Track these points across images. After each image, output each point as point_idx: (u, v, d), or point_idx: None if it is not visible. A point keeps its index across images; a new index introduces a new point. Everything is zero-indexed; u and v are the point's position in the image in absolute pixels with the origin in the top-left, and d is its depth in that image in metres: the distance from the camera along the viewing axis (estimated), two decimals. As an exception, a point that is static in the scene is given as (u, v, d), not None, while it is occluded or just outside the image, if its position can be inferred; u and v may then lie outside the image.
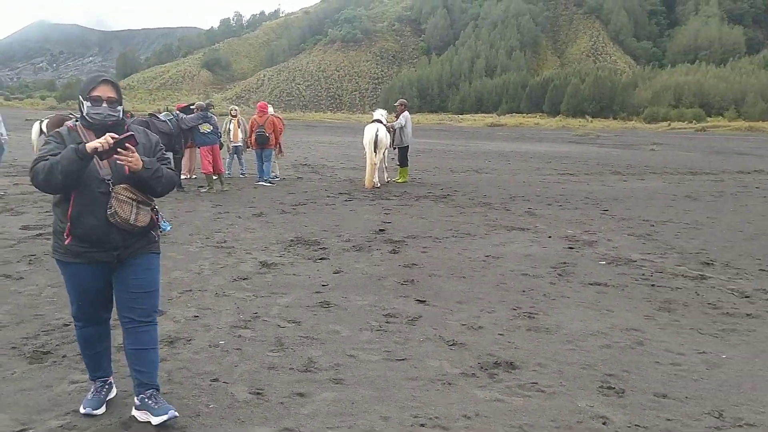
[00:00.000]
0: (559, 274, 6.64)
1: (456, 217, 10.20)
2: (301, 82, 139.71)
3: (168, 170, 3.23)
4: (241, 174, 15.49)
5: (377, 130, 13.63)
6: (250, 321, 4.91)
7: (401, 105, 15.33)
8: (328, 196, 12.40)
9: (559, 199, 12.66)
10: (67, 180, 2.91)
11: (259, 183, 14.08)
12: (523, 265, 7.00)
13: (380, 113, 14.53)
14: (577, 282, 6.36)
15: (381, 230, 8.90)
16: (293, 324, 4.88)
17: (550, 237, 8.71)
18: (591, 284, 6.27)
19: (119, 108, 3.15)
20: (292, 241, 8.05)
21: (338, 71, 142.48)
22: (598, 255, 7.62)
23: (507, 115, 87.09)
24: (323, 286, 5.99)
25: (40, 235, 7.93)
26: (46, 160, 2.91)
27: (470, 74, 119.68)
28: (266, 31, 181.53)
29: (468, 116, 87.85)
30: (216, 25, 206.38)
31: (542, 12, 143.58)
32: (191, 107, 13.65)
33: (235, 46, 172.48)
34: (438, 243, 8.15)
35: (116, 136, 2.94)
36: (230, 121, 15.05)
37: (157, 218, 3.26)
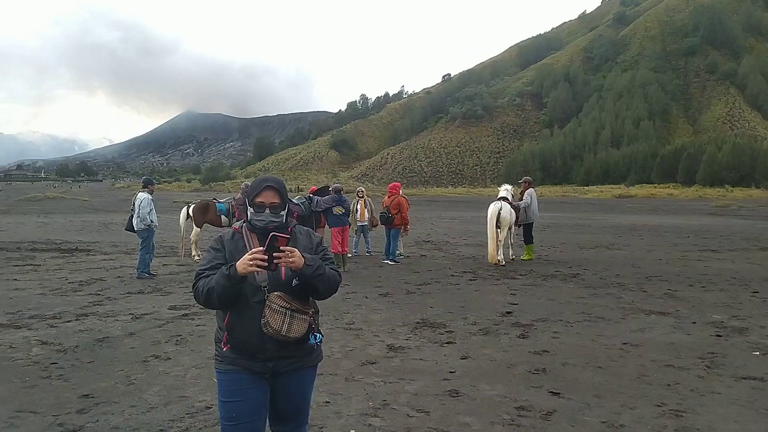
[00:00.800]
0: (708, 366, 6.10)
1: (588, 299, 9.76)
2: (423, 159, 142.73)
3: (331, 270, 3.06)
4: (368, 252, 15.85)
5: (500, 208, 13.70)
6: (379, 409, 4.88)
7: (526, 182, 15.33)
8: (453, 275, 12.32)
9: (702, 280, 11.79)
10: (225, 302, 2.89)
11: (385, 261, 14.30)
12: (666, 355, 6.51)
13: (506, 189, 14.56)
14: (728, 375, 5.80)
15: (508, 312, 8.67)
16: (422, 414, 4.79)
17: (694, 323, 8.08)
18: (745, 378, 5.70)
19: (282, 213, 3.10)
20: (418, 323, 8.02)
21: (459, 147, 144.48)
22: (751, 344, 6.95)
23: (636, 185, 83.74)
24: (451, 372, 5.87)
25: (186, 315, 8.44)
26: (206, 276, 2.91)
27: (595, 145, 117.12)
28: (390, 111, 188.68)
29: (594, 188, 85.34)
30: (344, 108, 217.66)
31: (671, 80, 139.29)
32: (328, 189, 14.31)
33: (361, 126, 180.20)
34: (569, 327, 7.80)
35: (281, 235, 2.82)
36: (357, 201, 15.58)
37: (315, 326, 3.05)
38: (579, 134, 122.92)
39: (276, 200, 3.05)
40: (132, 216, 12.62)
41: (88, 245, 17.55)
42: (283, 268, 2.89)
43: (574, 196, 71.35)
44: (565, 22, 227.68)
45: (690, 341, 7.10)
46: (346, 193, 20.92)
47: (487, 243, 14.16)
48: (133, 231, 12.61)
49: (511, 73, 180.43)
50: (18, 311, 8.59)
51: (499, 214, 13.59)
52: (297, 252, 2.85)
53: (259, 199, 3.04)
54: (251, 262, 2.76)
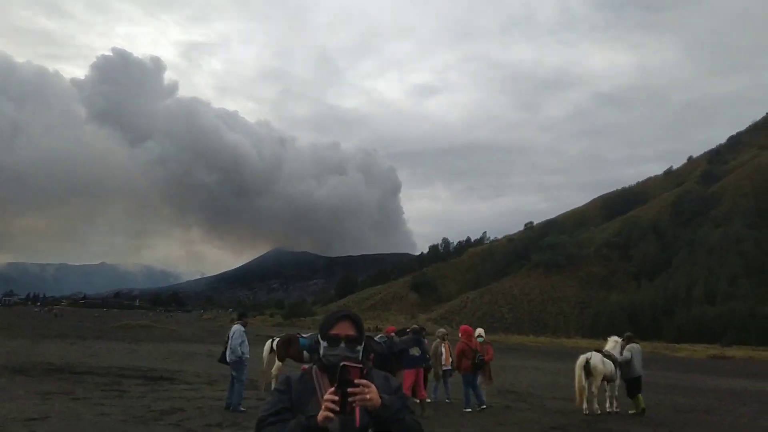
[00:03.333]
0: None
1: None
2: (504, 305, 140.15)
3: (412, 419, 2.66)
4: (447, 400, 15.34)
5: (588, 357, 13.93)
6: None
7: (627, 338, 15.61)
8: (540, 430, 11.68)
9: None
10: None
11: (467, 410, 13.79)
12: None
13: (614, 341, 15.16)
14: None
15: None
16: None
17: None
18: None
19: (359, 349, 2.79)
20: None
21: (542, 295, 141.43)
22: None
23: (733, 346, 78.25)
24: None
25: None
26: (271, 424, 2.59)
27: (687, 301, 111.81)
28: (471, 255, 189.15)
29: (686, 346, 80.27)
30: (425, 250, 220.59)
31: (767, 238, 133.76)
32: (406, 331, 14.26)
33: (442, 269, 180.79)
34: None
35: (353, 365, 2.53)
36: (441, 344, 15.29)
37: None
38: (670, 288, 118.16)
39: (352, 332, 2.77)
40: (226, 348, 12.92)
41: (172, 374, 17.93)
42: (357, 411, 2.51)
43: (664, 353, 67.28)
44: (650, 177, 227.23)
45: None
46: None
47: (575, 397, 14.24)
48: (226, 363, 12.87)
49: (596, 223, 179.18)
50: (104, 435, 8.75)
51: (587, 362, 13.77)
52: (373, 387, 2.51)
53: (333, 332, 2.77)
54: (331, 406, 2.40)
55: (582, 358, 13.85)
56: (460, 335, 14.77)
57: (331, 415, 2.38)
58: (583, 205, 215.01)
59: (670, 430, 12.62)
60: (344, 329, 2.78)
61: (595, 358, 13.90)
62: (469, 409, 13.78)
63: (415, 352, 13.24)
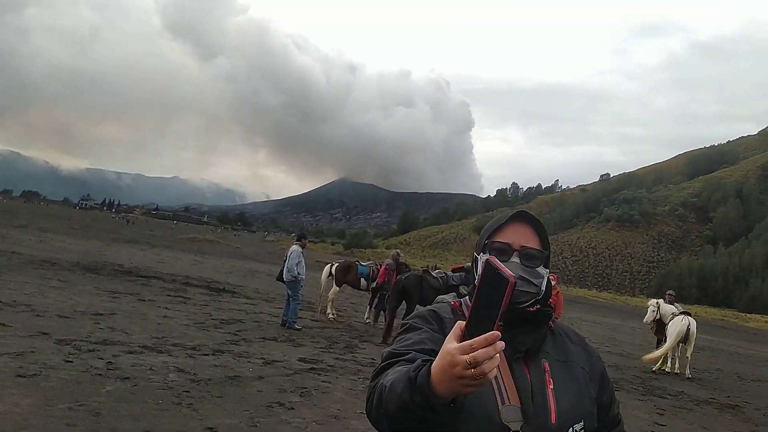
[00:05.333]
0: None
1: (748, 436, 8.57)
2: (569, 257, 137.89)
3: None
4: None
5: (691, 325, 13.45)
6: None
7: (670, 296, 15.14)
8: (592, 381, 11.41)
9: None
10: (396, 425, 1.38)
11: None
12: None
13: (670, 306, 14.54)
14: None
15: (653, 433, 7.80)
16: None
17: None
18: None
19: (542, 272, 1.70)
20: None
21: (609, 250, 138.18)
22: None
23: (810, 322, 74.79)
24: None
25: (314, 369, 8.45)
26: (399, 364, 1.45)
27: (764, 270, 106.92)
28: (540, 203, 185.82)
29: (758, 316, 77.33)
30: (493, 194, 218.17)
31: None
32: (463, 268, 14.05)
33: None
34: (726, 464, 6.82)
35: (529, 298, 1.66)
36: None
37: None
38: (747, 256, 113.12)
39: (532, 244, 1.69)
40: (284, 267, 13.12)
41: (234, 288, 18.45)
42: (552, 401, 1.56)
43: (734, 321, 65.02)
44: (743, 137, 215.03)
45: None
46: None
47: (631, 353, 13.73)
48: (283, 281, 13.09)
49: (676, 181, 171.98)
50: (163, 337, 9.06)
51: (688, 330, 13.39)
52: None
53: (499, 238, 1.69)
54: (469, 356, 1.17)
55: (683, 323, 13.32)
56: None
57: (480, 382, 1.18)
58: (666, 161, 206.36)
59: (728, 395, 12.12)
60: (518, 236, 1.68)
61: (694, 325, 13.49)
62: None
63: (463, 290, 13.06)
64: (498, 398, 1.52)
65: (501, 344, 1.17)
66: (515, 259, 1.66)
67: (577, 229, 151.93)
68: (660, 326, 14.41)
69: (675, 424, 8.58)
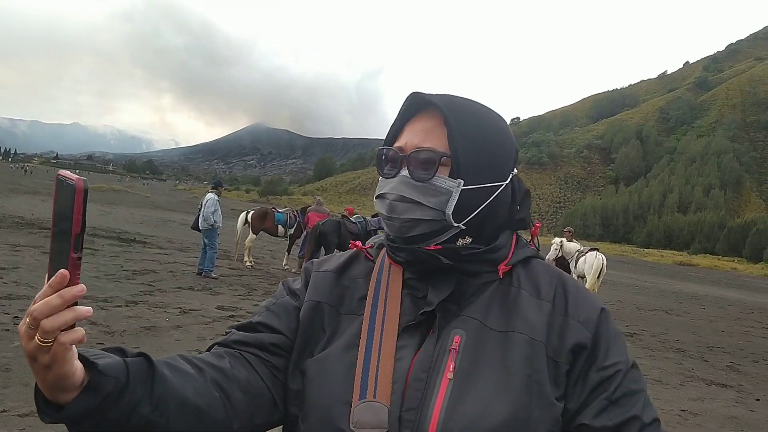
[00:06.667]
0: (776, 449, 5.64)
1: (644, 361, 9.27)
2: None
3: None
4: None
5: (603, 260, 13.80)
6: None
7: (569, 232, 15.54)
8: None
9: (768, 357, 11.11)
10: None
11: None
12: (727, 428, 6.07)
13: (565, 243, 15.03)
14: (799, 462, 5.34)
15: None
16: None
17: (758, 400, 7.55)
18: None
19: (452, 187, 1.02)
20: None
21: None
22: (825, 433, 6.41)
23: (700, 255, 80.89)
24: None
25: (233, 317, 8.42)
26: (230, 345, 1.08)
27: (660, 208, 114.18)
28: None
29: (654, 251, 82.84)
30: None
31: (748, 152, 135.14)
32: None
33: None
34: (624, 386, 7.39)
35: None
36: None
37: None
38: (645, 194, 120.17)
39: (430, 143, 1.04)
40: (199, 215, 12.85)
41: (146, 238, 17.91)
42: (440, 400, 0.94)
43: (632, 256, 69.42)
44: (643, 80, 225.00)
45: (753, 418, 6.62)
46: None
47: None
48: (198, 230, 12.83)
49: (582, 124, 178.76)
50: (72, 290, 8.74)
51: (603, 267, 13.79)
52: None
53: (396, 143, 1.09)
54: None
55: (598, 259, 13.69)
56: None
57: (48, 356, 0.78)
58: (572, 104, 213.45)
59: (627, 324, 13.02)
60: (415, 135, 1.06)
61: (605, 260, 13.90)
62: None
63: (381, 233, 13.25)
64: (357, 389, 0.97)
65: (75, 289, 0.77)
66: (404, 171, 1.04)
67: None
68: (562, 264, 15.03)
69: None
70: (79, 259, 0.78)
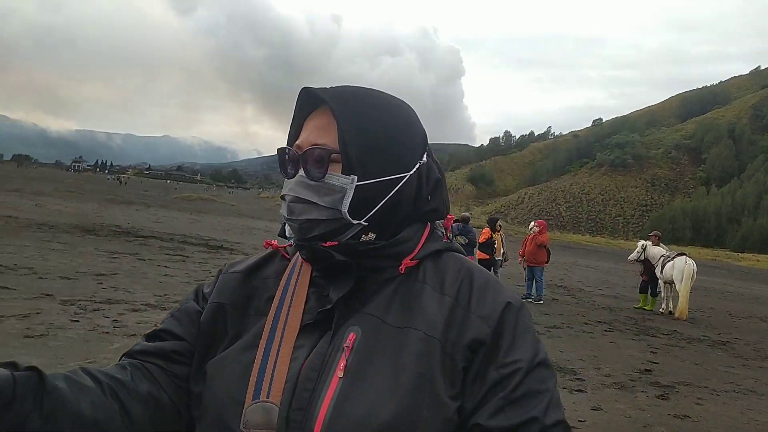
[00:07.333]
0: None
1: (738, 370, 8.86)
2: (562, 203, 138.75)
3: None
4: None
5: (693, 265, 13.75)
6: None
7: (655, 236, 15.12)
8: (586, 323, 11.70)
9: None
10: None
11: (529, 300, 13.88)
12: (832, 445, 5.73)
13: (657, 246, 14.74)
14: None
15: (647, 370, 8.06)
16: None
17: None
18: None
19: (345, 184, 0.99)
20: (546, 365, 7.65)
21: (603, 195, 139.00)
22: None
23: (800, 259, 75.95)
24: (580, 422, 5.51)
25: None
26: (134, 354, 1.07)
27: (756, 210, 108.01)
28: (533, 151, 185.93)
29: (749, 255, 78.48)
30: (485, 142, 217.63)
31: None
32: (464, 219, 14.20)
33: (500, 163, 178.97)
34: (716, 396, 7.09)
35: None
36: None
37: None
38: (739, 196, 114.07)
39: (324, 140, 1.01)
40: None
41: (232, 245, 18.61)
42: (328, 399, 0.91)
43: (726, 261, 66.00)
44: (734, 77, 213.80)
45: None
46: (477, 227, 20.70)
47: (624, 295, 13.95)
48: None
49: (669, 124, 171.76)
50: (165, 295, 9.22)
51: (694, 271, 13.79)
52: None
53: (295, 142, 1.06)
54: None
55: (689, 264, 13.53)
56: (537, 228, 14.50)
57: None
58: (658, 104, 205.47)
59: (719, 333, 12.45)
60: (310, 132, 1.04)
61: (695, 265, 13.79)
62: (531, 299, 13.89)
63: (461, 240, 13.21)
64: (251, 390, 0.95)
65: None
66: (301, 171, 1.02)
67: (570, 176, 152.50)
68: (648, 268, 14.62)
69: (667, 362, 8.86)
70: None
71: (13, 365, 0.86)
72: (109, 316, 7.40)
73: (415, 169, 1.04)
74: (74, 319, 7.09)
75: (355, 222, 1.00)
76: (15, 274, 9.31)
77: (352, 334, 0.95)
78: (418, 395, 0.90)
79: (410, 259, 1.03)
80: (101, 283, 9.53)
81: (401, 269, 1.01)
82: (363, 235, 1.01)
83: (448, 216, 1.15)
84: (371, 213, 1.00)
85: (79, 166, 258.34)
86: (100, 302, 8.13)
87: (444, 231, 1.14)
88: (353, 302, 1.00)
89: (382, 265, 1.02)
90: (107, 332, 6.69)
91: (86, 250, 13.14)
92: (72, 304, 7.77)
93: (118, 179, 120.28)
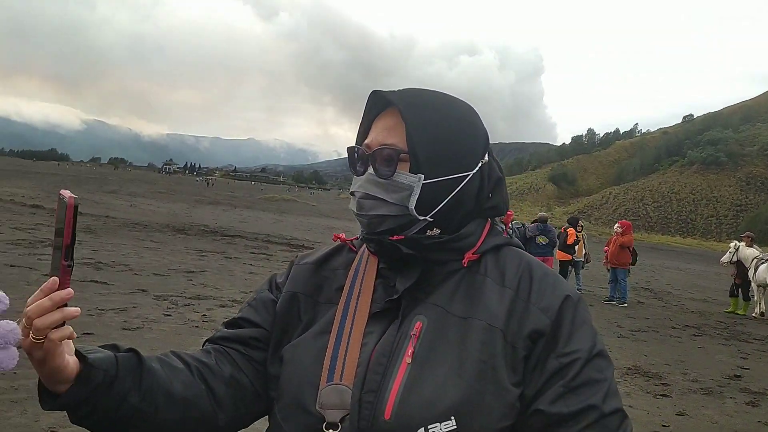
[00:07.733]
0: None
1: (840, 379, 8.35)
2: (650, 203, 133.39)
3: None
4: (578, 290, 15.12)
5: None
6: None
7: (748, 237, 14.51)
8: (673, 327, 11.30)
9: None
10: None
11: (612, 303, 13.56)
12: None
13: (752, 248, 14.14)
14: None
15: (737, 376, 7.73)
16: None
17: None
18: None
19: (413, 182, 1.06)
20: (629, 369, 7.47)
21: (693, 194, 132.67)
22: None
23: None
24: (664, 426, 5.38)
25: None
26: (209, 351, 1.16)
27: None
28: (618, 149, 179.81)
29: None
30: (567, 141, 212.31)
31: None
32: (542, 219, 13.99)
33: (583, 162, 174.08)
34: (814, 406, 6.73)
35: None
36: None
37: None
38: None
39: (392, 140, 1.08)
40: None
41: (313, 244, 19.05)
42: (398, 383, 0.98)
43: (830, 264, 61.64)
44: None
45: None
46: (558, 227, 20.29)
47: (716, 299, 13.43)
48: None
49: (766, 119, 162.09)
50: (251, 292, 9.56)
51: None
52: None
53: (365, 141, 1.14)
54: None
55: None
56: (620, 229, 14.13)
57: (42, 352, 0.88)
58: (754, 98, 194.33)
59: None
60: (379, 133, 1.11)
61: None
62: (614, 301, 13.56)
63: (541, 240, 13.03)
64: (325, 373, 1.02)
65: (63, 293, 0.86)
66: (371, 169, 1.08)
67: (659, 174, 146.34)
68: (741, 271, 13.98)
69: (759, 368, 8.45)
70: (70, 266, 0.87)
71: (114, 347, 0.99)
72: (199, 311, 7.79)
73: (477, 168, 1.11)
74: (167, 313, 7.51)
75: (421, 218, 1.06)
76: (113, 271, 9.94)
77: (418, 322, 1.02)
78: (482, 382, 0.96)
79: (472, 253, 1.09)
80: (191, 280, 10.04)
81: (464, 262, 1.08)
82: (428, 230, 1.08)
83: (508, 212, 1.22)
84: (436, 210, 1.07)
85: (169, 168, 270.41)
86: (190, 298, 8.57)
87: (504, 227, 1.20)
88: (418, 293, 1.06)
89: (446, 259, 1.09)
90: (197, 326, 7.05)
91: (177, 249, 13.83)
92: (165, 300, 8.24)
93: (205, 181, 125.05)
